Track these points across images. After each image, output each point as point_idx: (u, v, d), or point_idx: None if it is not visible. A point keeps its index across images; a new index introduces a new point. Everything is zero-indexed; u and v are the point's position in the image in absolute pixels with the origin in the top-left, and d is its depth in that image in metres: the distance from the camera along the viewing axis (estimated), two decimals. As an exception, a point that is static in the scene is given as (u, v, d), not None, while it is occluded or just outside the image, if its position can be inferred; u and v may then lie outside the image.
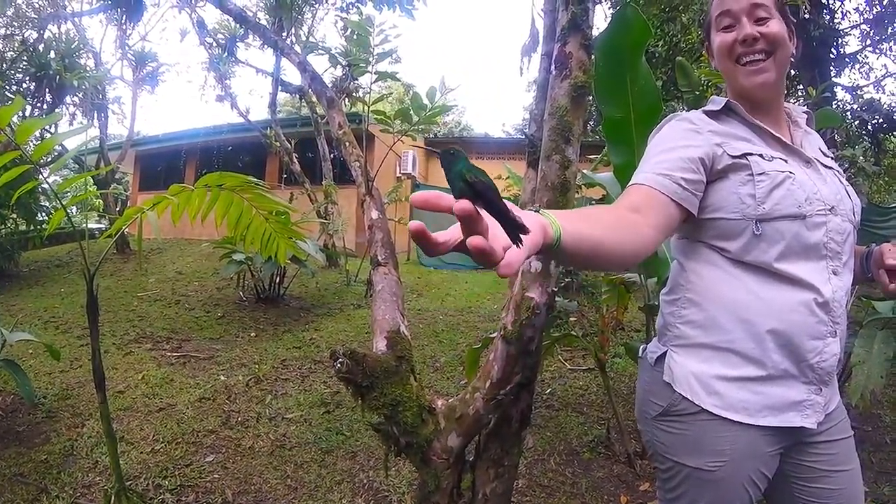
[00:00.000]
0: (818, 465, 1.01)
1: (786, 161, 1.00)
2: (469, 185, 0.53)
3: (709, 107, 1.08)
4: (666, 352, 1.06)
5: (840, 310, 0.97)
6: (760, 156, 0.99)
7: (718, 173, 0.99)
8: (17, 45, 9.24)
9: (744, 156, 0.99)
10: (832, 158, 1.13)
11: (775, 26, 1.02)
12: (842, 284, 0.98)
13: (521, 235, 0.55)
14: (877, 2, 9.95)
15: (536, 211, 0.67)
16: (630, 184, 0.98)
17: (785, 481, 1.03)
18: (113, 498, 2.10)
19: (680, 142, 1.01)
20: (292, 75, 10.08)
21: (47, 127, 7.94)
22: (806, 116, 1.14)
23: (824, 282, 0.95)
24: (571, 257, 0.72)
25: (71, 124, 9.55)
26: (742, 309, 0.97)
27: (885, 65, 10.72)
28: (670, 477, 1.03)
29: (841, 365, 1.01)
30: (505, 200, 0.55)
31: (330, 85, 7.96)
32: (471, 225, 0.52)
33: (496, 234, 0.55)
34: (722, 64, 1.08)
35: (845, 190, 1.05)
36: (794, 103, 1.32)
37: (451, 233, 0.55)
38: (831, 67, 9.87)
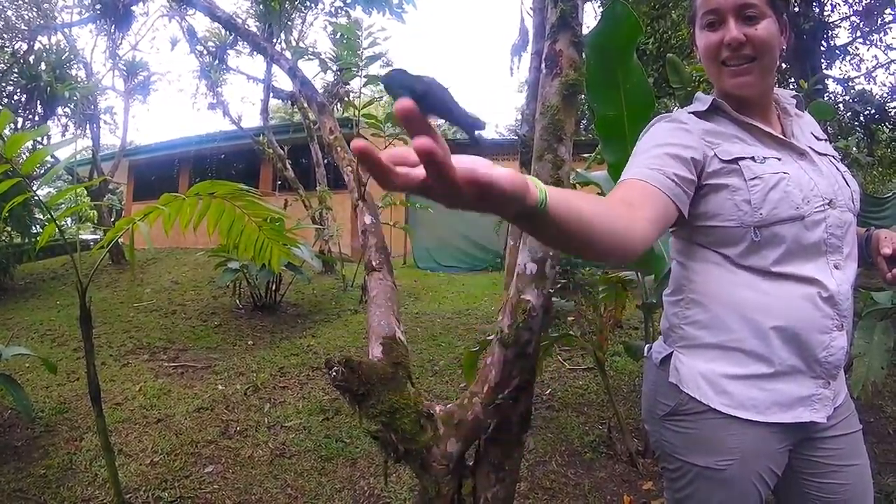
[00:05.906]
0: (826, 460, 1.00)
1: (779, 160, 0.98)
2: (411, 90, 0.45)
3: (695, 106, 1.05)
4: (672, 353, 1.05)
5: (846, 303, 0.96)
6: (752, 159, 0.96)
7: (710, 177, 0.97)
8: (7, 56, 9.21)
9: (735, 160, 0.96)
10: (826, 141, 1.10)
11: (764, 30, 0.96)
12: (846, 277, 0.97)
13: (478, 132, 0.48)
14: (865, -7, 9.98)
15: None
16: (621, 180, 0.95)
17: (794, 476, 1.02)
18: (112, 512, 2.08)
19: (671, 139, 0.98)
20: (284, 81, 10.04)
21: (39, 139, 7.92)
22: (795, 101, 1.11)
23: (828, 276, 0.94)
24: (558, 230, 0.63)
25: (63, 135, 9.54)
26: (746, 307, 0.96)
27: (875, 56, 10.70)
28: (679, 476, 1.02)
29: (848, 358, 1.00)
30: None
31: (321, 90, 7.97)
32: (419, 130, 0.44)
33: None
34: (707, 64, 1.04)
35: (843, 177, 1.03)
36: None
37: (404, 154, 0.48)
38: (822, 60, 9.89)
